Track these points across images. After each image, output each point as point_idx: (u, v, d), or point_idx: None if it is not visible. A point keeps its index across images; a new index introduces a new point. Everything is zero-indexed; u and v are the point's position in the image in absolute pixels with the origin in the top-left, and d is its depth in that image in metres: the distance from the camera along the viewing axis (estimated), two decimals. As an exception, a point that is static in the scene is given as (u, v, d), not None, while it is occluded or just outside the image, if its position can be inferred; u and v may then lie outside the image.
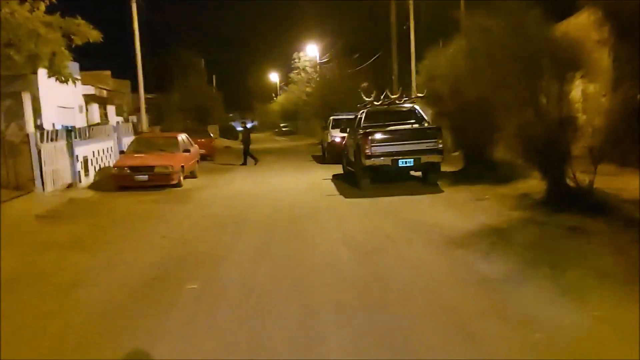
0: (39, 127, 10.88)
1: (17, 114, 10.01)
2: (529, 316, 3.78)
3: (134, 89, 25.71)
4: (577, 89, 10.38)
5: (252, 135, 21.69)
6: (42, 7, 6.92)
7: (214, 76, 42.57)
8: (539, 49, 7.08)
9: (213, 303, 4.50)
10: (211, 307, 4.41)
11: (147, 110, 19.80)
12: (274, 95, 60.68)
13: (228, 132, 39.75)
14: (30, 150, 10.03)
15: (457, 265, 5.24)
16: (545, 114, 7.48)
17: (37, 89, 12.64)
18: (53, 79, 9.73)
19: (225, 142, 33.96)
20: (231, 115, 53.11)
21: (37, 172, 10.25)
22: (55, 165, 11.04)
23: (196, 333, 3.88)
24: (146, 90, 20.25)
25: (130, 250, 6.63)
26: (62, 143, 11.48)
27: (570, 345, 3.33)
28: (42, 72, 10.31)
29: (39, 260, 6.22)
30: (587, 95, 10.41)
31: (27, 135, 10.06)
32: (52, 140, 10.95)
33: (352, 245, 6.25)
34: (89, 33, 7.43)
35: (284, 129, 52.75)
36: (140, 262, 5.97)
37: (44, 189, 10.46)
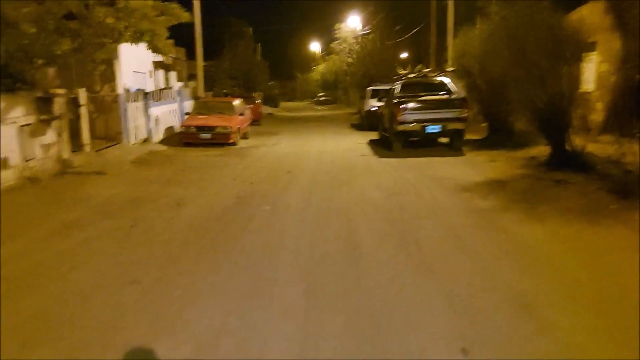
0: (125, 89, 12.94)
1: (109, 78, 12.10)
2: (500, 228, 5.52)
3: (188, 56, 27.75)
4: (590, 68, 11.69)
5: (289, 104, 23.35)
6: (145, -8, 8.83)
7: (259, 45, 44.24)
8: (544, 35, 8.45)
9: (282, 217, 6.43)
10: (281, 219, 6.34)
11: (200, 77, 21.75)
12: (313, 64, 61.91)
13: (270, 100, 41.68)
14: (119, 108, 12.16)
15: (460, 201, 6.96)
16: (550, 89, 8.90)
17: (118, 56, 14.69)
18: (130, 47, 11.75)
19: (268, 109, 35.98)
20: (271, 83, 54.83)
21: (124, 127, 12.41)
22: (136, 122, 13.21)
23: (272, 232, 5.79)
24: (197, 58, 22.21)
25: (211, 186, 8.64)
26: (141, 104, 13.61)
27: (519, 240, 5.07)
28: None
29: (146, 190, 8.29)
30: (599, 73, 11.71)
31: (118, 95, 12.18)
32: (134, 101, 13.08)
33: (381, 189, 8.04)
34: (181, 15, 9.27)
35: (322, 98, 54.26)
36: (221, 194, 7.96)
37: (128, 142, 12.64)
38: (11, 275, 4.43)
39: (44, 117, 8.58)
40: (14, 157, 7.93)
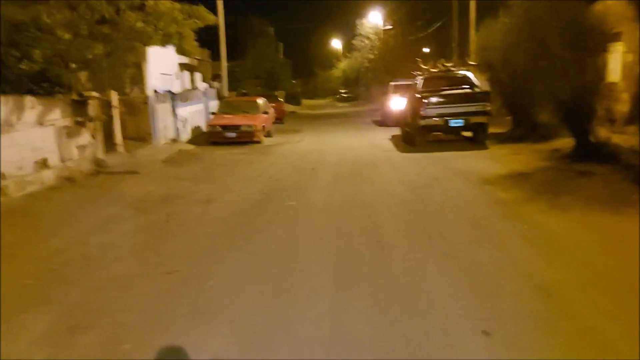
0: (154, 91, 13.37)
1: (138, 80, 12.52)
2: (522, 218, 5.62)
3: (212, 57, 28.29)
4: (615, 59, 11.56)
5: (311, 102, 23.53)
6: (171, -6, 9.19)
7: (281, 44, 44.62)
8: (567, 26, 8.43)
9: (307, 211, 6.64)
10: (306, 212, 6.55)
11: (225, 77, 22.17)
12: (335, 61, 61.98)
13: (292, 98, 42.01)
14: (149, 109, 12.58)
15: (483, 193, 7.06)
16: (573, 81, 8.86)
17: (146, 59, 15.15)
18: (157, 50, 12.15)
19: (290, 107, 36.27)
20: (293, 82, 55.14)
21: (153, 127, 12.82)
22: (164, 122, 13.62)
23: (299, 224, 6.01)
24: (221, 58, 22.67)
25: (238, 183, 8.91)
26: (169, 105, 14.02)
27: (542, 229, 5.16)
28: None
29: (177, 187, 8.61)
30: (624, 64, 11.57)
31: (147, 97, 12.60)
32: (162, 102, 13.49)
33: (405, 183, 8.18)
34: (208, 17, 9.60)
35: (344, 95, 54.31)
36: (248, 190, 8.22)
37: (158, 142, 13.05)
38: (59, 267, 4.75)
39: (79, 119, 9.00)
40: (53, 157, 8.36)
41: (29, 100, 7.72)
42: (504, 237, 5.00)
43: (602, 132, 8.78)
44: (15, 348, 3.28)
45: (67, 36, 7.98)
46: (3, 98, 7.20)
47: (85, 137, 9.25)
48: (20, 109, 7.48)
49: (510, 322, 3.30)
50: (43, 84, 7.86)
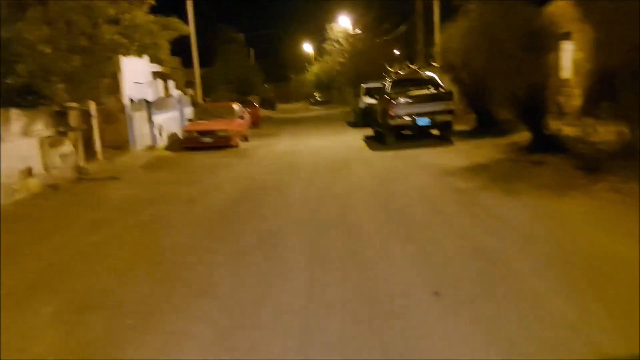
0: (130, 100, 13.69)
1: (114, 89, 12.85)
2: (477, 203, 6.28)
3: (184, 64, 28.55)
4: (567, 56, 12.45)
5: (286, 106, 23.92)
6: (146, 7, 9.59)
7: (251, 49, 45.07)
8: (519, 27, 9.18)
9: (285, 204, 7.19)
10: (285, 206, 7.10)
11: (198, 84, 22.55)
12: (307, 65, 62.63)
13: (266, 103, 42.42)
14: (126, 118, 12.90)
15: (444, 184, 7.73)
16: (527, 78, 9.61)
17: (121, 69, 15.43)
18: (130, 59, 12.51)
19: (265, 112, 36.67)
20: (266, 86, 55.49)
21: (130, 135, 13.15)
22: (141, 130, 13.94)
23: (278, 216, 6.53)
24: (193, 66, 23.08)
25: (218, 184, 9.37)
26: (144, 113, 14.35)
27: (493, 211, 5.82)
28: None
29: (158, 191, 9.03)
30: (575, 61, 12.47)
31: (124, 106, 12.93)
32: (138, 110, 13.83)
33: (375, 177, 8.80)
34: (182, 28, 10.04)
35: (318, 99, 54.95)
36: (229, 189, 8.70)
37: (135, 149, 13.38)
38: (58, 262, 5.17)
39: (61, 129, 9.34)
40: (38, 166, 8.68)
41: (14, 113, 8.05)
42: (458, 219, 5.64)
43: (555, 125, 9.57)
44: (31, 325, 3.71)
45: (47, 50, 8.34)
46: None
47: (67, 146, 9.58)
48: (7, 121, 7.81)
49: (458, 285, 3.90)
50: (28, 97, 8.20)
